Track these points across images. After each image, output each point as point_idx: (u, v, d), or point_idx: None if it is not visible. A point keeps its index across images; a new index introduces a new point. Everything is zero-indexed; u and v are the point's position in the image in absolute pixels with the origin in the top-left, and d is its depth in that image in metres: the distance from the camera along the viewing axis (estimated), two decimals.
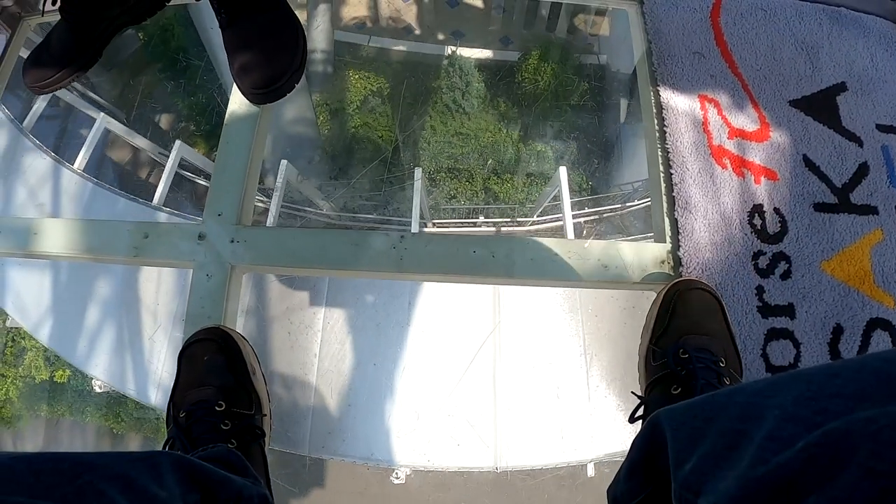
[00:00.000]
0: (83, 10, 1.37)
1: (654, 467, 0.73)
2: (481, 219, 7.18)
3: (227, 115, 1.33)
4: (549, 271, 1.16)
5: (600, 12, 7.80)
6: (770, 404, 0.53)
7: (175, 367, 1.08)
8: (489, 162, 7.42)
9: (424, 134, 7.53)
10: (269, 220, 5.15)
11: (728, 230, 1.21)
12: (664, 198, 1.24)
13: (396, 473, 6.30)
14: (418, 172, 5.75)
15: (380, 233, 1.18)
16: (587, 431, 4.46)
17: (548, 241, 1.17)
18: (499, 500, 7.29)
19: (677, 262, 1.18)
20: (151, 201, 4.90)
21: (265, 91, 1.25)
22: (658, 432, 0.69)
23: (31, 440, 8.58)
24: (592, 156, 7.46)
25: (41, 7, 1.46)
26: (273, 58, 1.23)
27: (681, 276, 1.15)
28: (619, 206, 6.65)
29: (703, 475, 0.56)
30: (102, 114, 5.67)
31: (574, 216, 5.39)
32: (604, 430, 4.46)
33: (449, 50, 7.55)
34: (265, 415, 1.07)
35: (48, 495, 0.56)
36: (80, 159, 5.12)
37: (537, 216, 6.66)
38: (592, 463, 5.88)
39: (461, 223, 7.19)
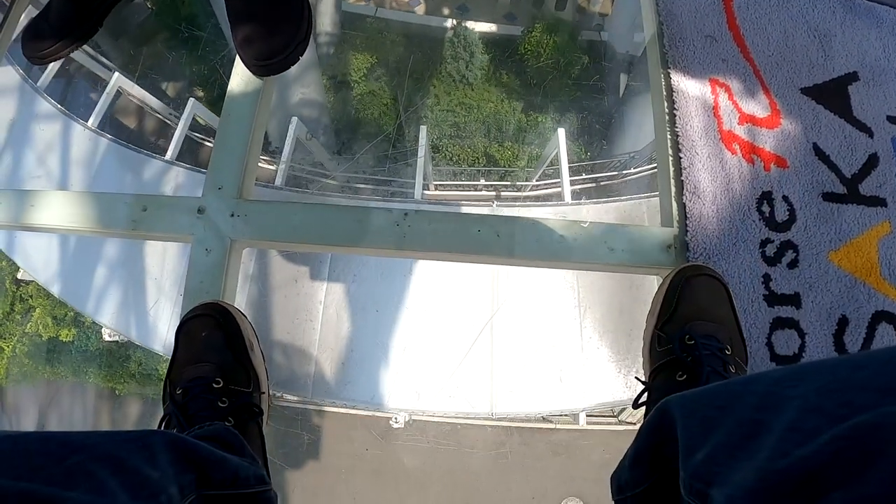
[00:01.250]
0: None
1: (661, 456, 0.72)
2: (482, 181, 7.30)
3: (229, 87, 1.30)
4: (554, 253, 1.14)
5: None
6: (790, 394, 0.51)
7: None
8: (490, 131, 7.58)
9: (429, 103, 7.71)
10: (278, 177, 5.23)
11: (736, 217, 1.20)
12: (672, 182, 1.22)
13: (395, 417, 6.46)
14: (423, 131, 5.83)
15: (383, 209, 1.16)
16: (580, 381, 4.64)
17: (553, 223, 1.15)
18: (494, 466, 7.39)
19: (684, 246, 1.16)
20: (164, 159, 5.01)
21: (269, 63, 1.22)
22: (667, 420, 0.68)
23: (33, 399, 8.66)
24: (591, 127, 7.73)
25: None
26: (277, 28, 1.21)
27: (688, 262, 1.14)
28: (616, 173, 6.84)
29: (717, 465, 0.54)
30: (117, 73, 5.71)
31: (572, 182, 5.52)
32: (596, 380, 4.64)
33: (453, 22, 7.70)
34: (263, 392, 1.06)
35: (35, 476, 0.54)
36: (94, 117, 5.20)
37: (536, 180, 6.79)
38: (584, 412, 6.12)
39: (462, 185, 7.37)
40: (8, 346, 8.19)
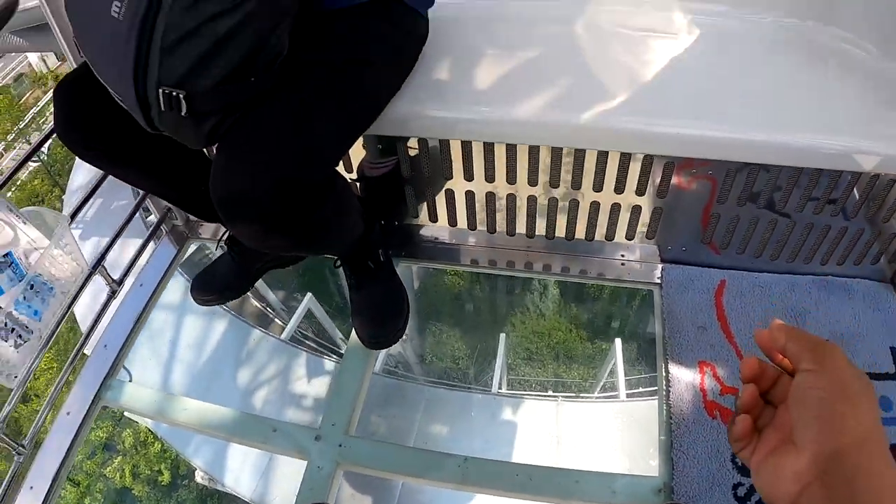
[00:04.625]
0: (245, 249, 1.86)
1: None
2: (549, 392, 7.98)
3: (346, 350, 1.81)
4: (573, 493, 1.54)
5: None
6: None
7: None
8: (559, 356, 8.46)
9: (506, 329, 8.75)
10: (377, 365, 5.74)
11: (713, 466, 1.54)
12: (664, 440, 1.61)
13: None
14: (502, 338, 6.51)
15: (449, 454, 1.60)
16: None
17: (572, 473, 1.56)
18: None
19: (671, 490, 1.54)
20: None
21: (377, 342, 1.72)
22: None
23: None
24: (649, 352, 8.39)
25: (217, 242, 1.97)
26: (386, 320, 1.71)
27: (671, 501, 1.52)
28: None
29: None
30: None
31: (628, 395, 5.98)
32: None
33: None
34: None
35: None
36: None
37: (598, 393, 7.50)
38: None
39: (531, 395, 8.06)
40: (84, 482, 8.60)
